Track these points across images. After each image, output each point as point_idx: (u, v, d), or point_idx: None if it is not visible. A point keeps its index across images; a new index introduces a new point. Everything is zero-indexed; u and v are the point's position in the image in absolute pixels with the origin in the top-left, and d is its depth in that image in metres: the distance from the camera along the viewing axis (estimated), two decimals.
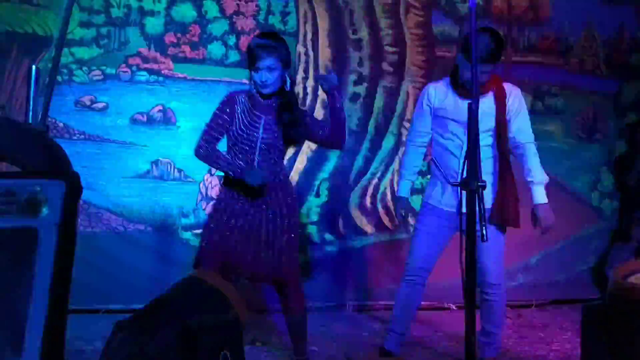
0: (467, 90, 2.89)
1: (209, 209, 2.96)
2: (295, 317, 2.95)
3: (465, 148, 2.92)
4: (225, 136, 2.87)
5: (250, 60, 2.75)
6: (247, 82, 4.29)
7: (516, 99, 3.05)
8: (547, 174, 4.57)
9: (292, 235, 2.88)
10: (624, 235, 4.45)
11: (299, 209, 3.09)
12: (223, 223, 2.82)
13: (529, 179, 3.02)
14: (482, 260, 2.89)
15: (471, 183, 1.90)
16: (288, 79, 2.81)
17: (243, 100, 2.81)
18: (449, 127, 3.07)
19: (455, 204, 3.02)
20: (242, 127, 2.77)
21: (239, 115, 2.79)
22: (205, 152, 2.83)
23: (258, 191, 2.75)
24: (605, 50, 4.71)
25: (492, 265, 2.98)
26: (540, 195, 2.98)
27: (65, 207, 1.31)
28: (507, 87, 3.10)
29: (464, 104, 2.53)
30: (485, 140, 3.01)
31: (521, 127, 3.04)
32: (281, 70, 2.75)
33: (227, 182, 2.89)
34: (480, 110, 2.90)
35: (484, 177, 2.77)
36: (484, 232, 1.89)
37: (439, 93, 3.09)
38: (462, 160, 2.70)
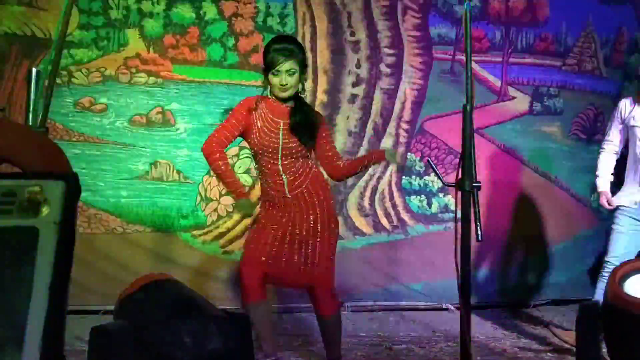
0: None
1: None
2: (329, 321, 2.93)
3: None
4: (236, 138, 2.85)
5: (268, 63, 2.74)
6: (246, 83, 4.37)
7: None
8: (547, 175, 4.64)
9: (329, 237, 2.85)
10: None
11: (335, 209, 3.03)
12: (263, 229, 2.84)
13: None
14: None
15: (466, 183, 1.91)
16: (303, 82, 2.84)
17: (262, 105, 2.80)
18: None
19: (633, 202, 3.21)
20: (263, 134, 2.76)
21: (257, 122, 2.77)
22: (214, 157, 2.77)
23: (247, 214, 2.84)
24: (604, 50, 4.73)
25: None
26: None
27: (64, 206, 1.32)
28: None
29: None
30: None
31: None
32: (299, 74, 2.77)
33: (262, 189, 2.92)
34: None
35: None
36: (479, 232, 1.89)
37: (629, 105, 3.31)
38: None
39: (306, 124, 2.78)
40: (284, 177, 2.79)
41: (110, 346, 1.80)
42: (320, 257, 2.80)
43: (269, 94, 2.83)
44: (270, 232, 2.79)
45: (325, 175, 3.01)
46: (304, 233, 2.78)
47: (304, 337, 3.69)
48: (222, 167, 2.75)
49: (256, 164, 2.89)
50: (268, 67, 2.75)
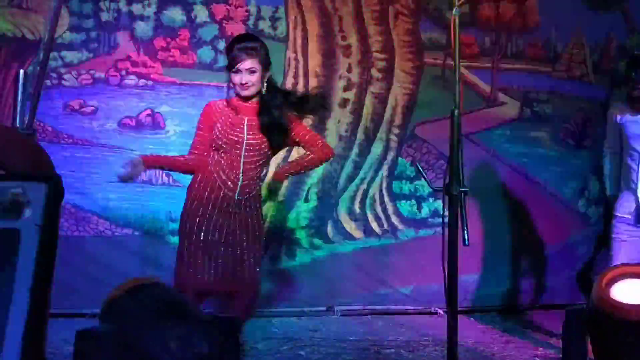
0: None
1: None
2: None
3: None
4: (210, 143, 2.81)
5: (230, 62, 2.72)
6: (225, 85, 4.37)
7: None
8: (536, 181, 4.66)
9: (258, 250, 2.84)
10: (608, 241, 4.47)
11: (264, 223, 3.01)
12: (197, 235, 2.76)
13: None
14: None
15: (453, 188, 1.92)
16: (266, 81, 2.78)
17: (221, 107, 2.79)
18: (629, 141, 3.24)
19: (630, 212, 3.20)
20: (227, 128, 2.73)
21: (220, 120, 2.75)
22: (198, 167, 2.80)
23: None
24: (594, 57, 4.76)
25: None
26: None
27: (47, 209, 1.32)
28: None
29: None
30: None
31: None
32: (261, 72, 2.74)
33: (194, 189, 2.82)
34: None
35: None
36: (466, 236, 1.90)
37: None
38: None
39: (273, 123, 2.74)
40: (240, 177, 2.74)
41: (94, 350, 1.78)
42: (252, 269, 2.78)
43: (233, 94, 2.80)
44: (207, 251, 2.71)
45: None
46: (234, 239, 2.74)
47: (293, 341, 3.68)
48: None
49: (213, 157, 2.79)
50: (228, 66, 2.73)
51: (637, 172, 3.18)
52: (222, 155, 2.75)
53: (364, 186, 4.49)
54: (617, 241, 3.26)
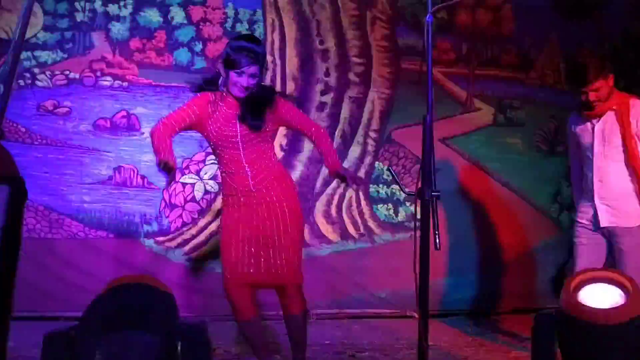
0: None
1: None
2: (298, 320, 2.87)
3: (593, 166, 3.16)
4: (186, 126, 2.76)
5: (234, 61, 2.65)
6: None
7: (635, 112, 3.12)
8: (510, 186, 4.72)
9: (296, 235, 2.79)
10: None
11: (300, 203, 2.91)
12: (230, 228, 2.75)
13: None
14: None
15: (425, 192, 1.94)
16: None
17: (216, 99, 2.74)
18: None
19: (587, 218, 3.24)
20: (220, 124, 2.71)
21: (214, 113, 2.71)
22: (153, 135, 2.72)
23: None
24: (566, 65, 4.84)
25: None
26: None
27: (9, 211, 1.29)
28: (633, 102, 3.17)
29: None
30: (617, 156, 3.13)
31: None
32: (260, 78, 2.74)
33: (225, 183, 2.81)
34: (602, 129, 3.11)
35: (617, 193, 3.08)
36: (437, 240, 1.92)
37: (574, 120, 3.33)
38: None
39: (248, 107, 2.70)
40: (247, 168, 2.73)
41: (49, 353, 1.78)
42: (289, 256, 2.74)
43: (230, 89, 2.74)
44: (239, 241, 2.72)
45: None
46: (271, 233, 2.72)
47: (270, 344, 3.67)
48: (155, 142, 2.69)
49: (217, 157, 2.81)
50: (231, 64, 2.67)
51: (592, 180, 3.23)
52: (223, 152, 2.74)
53: (341, 190, 4.51)
54: (579, 245, 3.31)
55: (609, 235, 3.20)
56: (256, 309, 2.84)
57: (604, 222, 3.18)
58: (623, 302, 2.26)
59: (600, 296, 2.29)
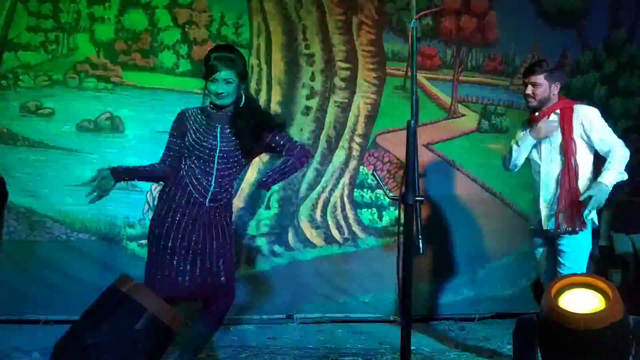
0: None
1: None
2: (207, 329, 2.88)
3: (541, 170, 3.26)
4: (182, 150, 2.80)
5: (207, 71, 2.72)
6: (199, 92, 4.33)
7: (586, 117, 3.20)
8: (492, 191, 4.75)
9: (231, 257, 2.83)
10: None
11: (234, 229, 2.97)
12: (165, 241, 2.72)
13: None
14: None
15: (409, 197, 1.95)
16: (243, 92, 2.79)
17: (194, 113, 2.79)
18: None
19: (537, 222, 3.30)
20: (199, 135, 2.73)
21: (192, 127, 2.75)
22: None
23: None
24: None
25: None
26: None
27: None
28: (577, 107, 3.26)
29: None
30: (561, 159, 3.23)
31: (601, 138, 3.18)
32: (237, 83, 2.74)
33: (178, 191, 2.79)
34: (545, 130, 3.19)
35: (553, 189, 3.16)
36: (420, 244, 1.93)
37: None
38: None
39: (245, 130, 2.74)
40: (212, 184, 2.73)
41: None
42: (220, 275, 2.76)
43: (209, 100, 2.80)
44: (177, 247, 2.69)
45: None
46: (208, 251, 2.73)
47: (251, 349, 3.67)
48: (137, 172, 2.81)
49: (185, 164, 2.77)
50: (206, 73, 2.73)
51: (539, 185, 3.30)
52: (195, 162, 2.74)
53: (326, 194, 4.51)
54: (535, 255, 3.38)
55: (552, 238, 3.26)
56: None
57: (547, 225, 3.24)
58: (603, 308, 2.29)
59: (580, 301, 2.32)
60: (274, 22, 4.39)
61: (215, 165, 2.73)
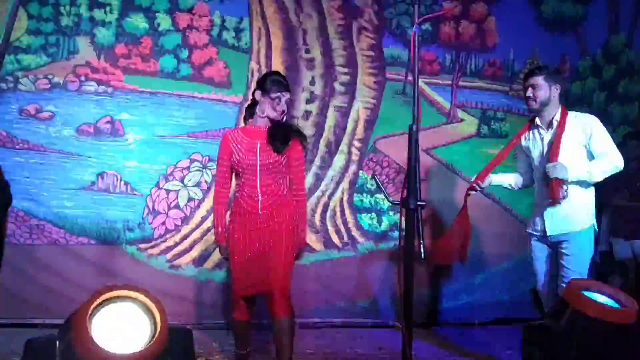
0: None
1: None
2: (281, 324, 3.02)
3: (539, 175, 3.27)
4: (231, 172, 3.13)
5: (273, 88, 3.03)
6: (199, 96, 4.35)
7: (590, 125, 3.22)
8: (492, 197, 4.75)
9: (287, 249, 3.06)
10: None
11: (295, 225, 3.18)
12: (239, 253, 3.07)
13: None
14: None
15: (410, 202, 1.94)
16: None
17: (236, 135, 3.09)
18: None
19: (541, 228, 3.31)
20: (242, 154, 3.04)
21: (236, 147, 3.06)
22: (215, 202, 3.16)
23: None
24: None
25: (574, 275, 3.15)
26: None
27: None
28: (580, 116, 3.29)
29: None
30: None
31: (600, 140, 3.20)
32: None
33: (237, 203, 3.12)
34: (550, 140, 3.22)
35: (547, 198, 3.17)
36: (422, 250, 1.93)
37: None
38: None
39: (278, 133, 3.04)
40: (259, 195, 3.04)
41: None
42: (276, 265, 3.00)
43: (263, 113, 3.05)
44: (243, 260, 3.05)
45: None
46: (267, 249, 3.02)
47: (247, 341, 3.64)
48: (218, 212, 3.12)
49: (237, 179, 3.13)
50: (270, 91, 3.03)
51: (541, 191, 3.31)
52: (243, 178, 3.07)
53: (325, 198, 4.51)
54: (534, 260, 3.39)
55: (554, 242, 3.27)
56: (249, 314, 3.15)
57: (551, 231, 3.24)
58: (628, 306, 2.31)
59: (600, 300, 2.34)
60: (275, 26, 4.40)
61: (258, 179, 3.03)
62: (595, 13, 4.94)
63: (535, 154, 3.36)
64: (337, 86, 4.52)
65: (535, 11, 4.84)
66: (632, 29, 4.99)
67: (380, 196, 4.55)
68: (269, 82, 3.07)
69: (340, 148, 4.52)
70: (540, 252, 3.37)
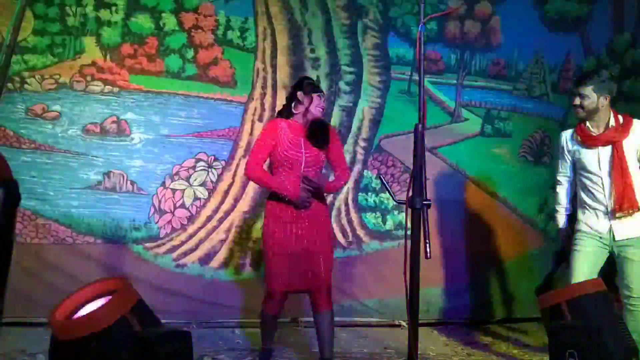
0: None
1: (267, 225, 3.16)
2: (325, 317, 3.17)
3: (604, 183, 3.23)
4: (268, 157, 3.17)
5: (313, 87, 3.20)
6: (204, 95, 4.36)
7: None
8: (497, 195, 4.76)
9: (328, 242, 3.19)
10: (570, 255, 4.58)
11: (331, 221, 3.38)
12: (278, 247, 3.12)
13: None
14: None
15: (416, 201, 1.95)
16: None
17: (284, 126, 3.16)
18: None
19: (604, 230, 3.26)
20: (287, 148, 3.12)
21: (283, 139, 3.13)
22: (259, 174, 3.14)
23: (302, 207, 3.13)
24: (552, 77, 4.92)
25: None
26: None
27: (2, 212, 1.29)
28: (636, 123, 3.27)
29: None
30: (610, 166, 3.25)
31: None
32: None
33: (274, 198, 3.17)
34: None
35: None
36: (428, 249, 1.93)
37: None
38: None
39: (317, 129, 3.15)
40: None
41: None
42: (323, 264, 3.13)
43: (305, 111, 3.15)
44: (283, 255, 3.10)
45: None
46: (310, 245, 3.11)
47: (256, 352, 3.66)
48: (272, 182, 3.13)
49: (274, 174, 3.17)
50: (311, 91, 3.17)
51: (604, 193, 3.25)
52: (285, 171, 3.13)
53: (330, 198, 4.52)
54: (579, 253, 3.28)
55: (620, 247, 3.21)
56: (281, 310, 3.26)
57: (620, 236, 3.20)
58: None
59: None
60: (280, 26, 4.42)
61: (302, 172, 3.11)
62: (600, 13, 4.95)
63: (587, 157, 3.29)
64: (342, 85, 4.53)
65: (540, 11, 4.85)
66: (637, 29, 4.99)
67: (385, 195, 4.55)
68: (308, 85, 3.21)
69: (345, 147, 4.53)
70: (590, 247, 3.27)
